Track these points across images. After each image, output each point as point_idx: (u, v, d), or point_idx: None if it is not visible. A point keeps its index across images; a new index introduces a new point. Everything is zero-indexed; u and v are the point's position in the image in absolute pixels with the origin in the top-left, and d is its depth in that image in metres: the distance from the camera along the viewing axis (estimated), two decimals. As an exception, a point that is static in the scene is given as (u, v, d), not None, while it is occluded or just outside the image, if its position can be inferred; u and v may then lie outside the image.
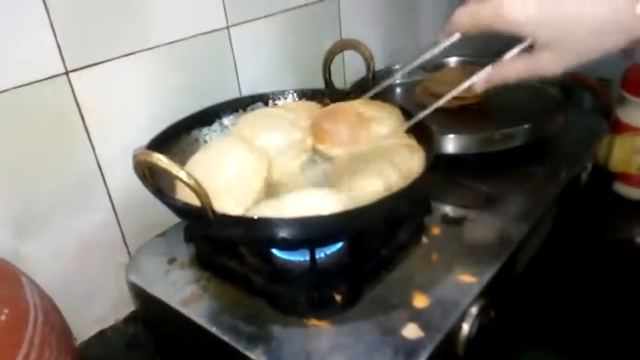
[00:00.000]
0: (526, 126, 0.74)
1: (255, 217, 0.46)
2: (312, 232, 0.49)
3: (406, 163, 0.58)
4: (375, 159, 0.58)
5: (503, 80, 0.46)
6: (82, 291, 0.67)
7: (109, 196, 0.68)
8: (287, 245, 0.55)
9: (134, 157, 0.43)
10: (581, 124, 0.88)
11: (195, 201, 0.44)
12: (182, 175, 0.41)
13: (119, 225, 0.70)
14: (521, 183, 0.74)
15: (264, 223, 0.47)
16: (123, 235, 0.71)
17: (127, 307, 0.71)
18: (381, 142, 0.60)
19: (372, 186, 0.54)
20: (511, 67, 0.45)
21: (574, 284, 0.76)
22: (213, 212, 0.45)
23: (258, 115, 0.68)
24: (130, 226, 0.71)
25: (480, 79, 0.47)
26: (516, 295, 0.66)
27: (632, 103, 0.89)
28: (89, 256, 0.67)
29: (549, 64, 0.43)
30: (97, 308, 0.69)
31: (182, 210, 0.48)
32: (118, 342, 0.68)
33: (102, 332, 0.69)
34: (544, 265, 0.71)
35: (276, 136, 0.63)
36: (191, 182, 0.41)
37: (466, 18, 0.46)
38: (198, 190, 0.42)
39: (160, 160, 0.41)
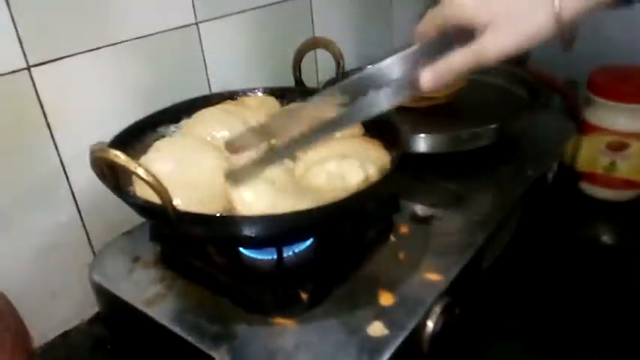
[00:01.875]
0: (493, 126, 0.75)
1: (217, 215, 0.46)
2: (277, 229, 0.48)
3: (383, 160, 0.58)
4: (350, 155, 0.58)
5: (451, 73, 0.46)
6: (46, 292, 0.66)
7: (73, 195, 0.66)
8: (252, 243, 0.54)
9: (91, 153, 0.42)
10: (549, 124, 0.89)
11: (153, 198, 0.43)
12: (140, 171, 0.41)
13: (83, 224, 0.69)
14: (489, 182, 0.74)
15: (227, 220, 0.46)
16: (87, 235, 0.69)
17: (92, 307, 0.69)
18: (345, 142, 0.60)
19: (356, 177, 0.54)
20: (455, 58, 0.45)
21: (539, 282, 0.77)
22: (174, 210, 0.44)
23: (211, 112, 0.66)
24: (95, 226, 0.69)
25: (426, 78, 0.46)
26: (482, 292, 0.67)
27: (598, 104, 0.91)
28: (52, 256, 0.66)
29: (489, 44, 0.44)
30: (61, 309, 0.68)
31: (142, 208, 0.48)
32: (82, 343, 0.67)
33: (66, 333, 0.68)
34: (510, 263, 0.72)
35: (227, 134, 0.61)
36: (150, 179, 0.41)
37: (427, 26, 0.48)
38: (158, 187, 0.41)
39: (117, 156, 0.40)
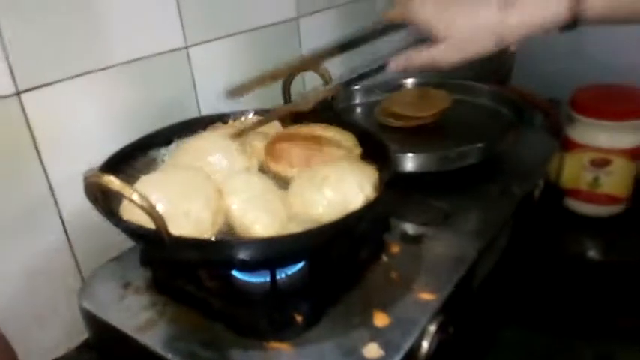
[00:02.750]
0: (480, 145, 0.76)
1: (212, 239, 0.46)
2: (274, 252, 0.48)
3: (374, 177, 0.58)
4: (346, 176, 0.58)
5: (410, 66, 0.56)
6: (32, 318, 0.65)
7: (61, 220, 0.66)
8: (246, 267, 0.54)
9: (85, 179, 0.42)
10: (533, 142, 0.91)
11: (145, 223, 0.43)
12: (135, 197, 0.40)
13: (71, 249, 0.68)
14: (477, 200, 0.75)
15: (223, 245, 0.46)
16: (76, 260, 0.68)
17: (81, 334, 0.68)
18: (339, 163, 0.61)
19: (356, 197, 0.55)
20: (416, 55, 0.56)
21: (528, 298, 0.78)
22: (169, 235, 0.44)
23: (194, 147, 0.65)
24: (84, 251, 0.68)
25: (393, 63, 0.57)
26: (474, 310, 0.67)
27: (580, 122, 0.93)
28: (39, 282, 0.65)
29: (443, 54, 0.54)
30: (48, 336, 0.67)
31: (136, 233, 0.47)
32: (71, 371, 0.66)
33: (54, 361, 0.66)
34: (499, 280, 0.73)
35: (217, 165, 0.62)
36: (145, 204, 0.40)
37: (395, 14, 0.59)
38: (153, 213, 0.41)
39: (112, 182, 0.40)
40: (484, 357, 0.69)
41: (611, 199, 0.94)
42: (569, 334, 0.75)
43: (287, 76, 0.72)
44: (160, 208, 0.44)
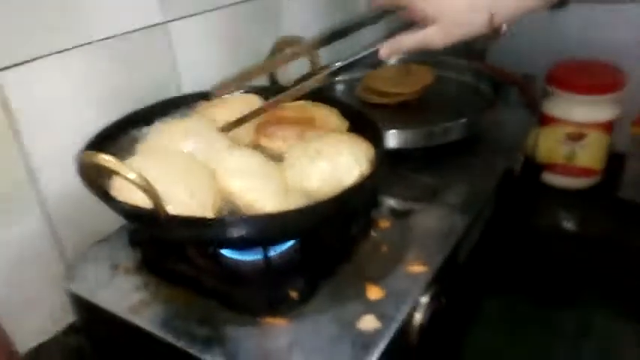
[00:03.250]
0: (464, 120, 0.77)
1: (209, 218, 0.45)
2: (271, 230, 0.48)
3: (369, 152, 0.58)
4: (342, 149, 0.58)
5: (401, 49, 0.57)
6: (18, 304, 0.63)
7: (42, 204, 0.63)
8: (242, 245, 0.54)
9: (79, 159, 0.40)
10: (512, 118, 0.93)
11: (140, 203, 0.42)
12: (132, 176, 0.39)
13: (54, 233, 0.66)
14: (461, 175, 0.76)
15: (220, 223, 0.45)
16: (60, 244, 0.66)
17: (68, 318, 0.67)
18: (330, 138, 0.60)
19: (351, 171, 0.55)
20: (407, 38, 0.56)
21: (509, 267, 0.80)
22: (166, 214, 0.43)
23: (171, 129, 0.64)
24: (68, 234, 0.66)
25: (384, 50, 0.57)
26: (461, 281, 0.69)
27: (556, 96, 0.95)
28: (23, 268, 0.62)
29: (435, 35, 0.54)
30: (35, 321, 0.65)
31: (132, 213, 0.46)
32: (58, 354, 0.65)
33: (41, 345, 0.65)
34: (484, 251, 0.75)
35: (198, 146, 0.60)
36: (143, 183, 0.40)
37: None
38: (151, 191, 0.40)
39: (108, 160, 0.39)
40: (470, 326, 0.71)
41: (586, 172, 0.98)
42: (548, 302, 0.78)
43: (270, 54, 0.70)
44: (162, 188, 0.43)
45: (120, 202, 0.46)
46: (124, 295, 0.58)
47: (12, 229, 0.61)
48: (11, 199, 0.61)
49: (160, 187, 0.41)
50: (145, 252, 0.61)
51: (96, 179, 0.49)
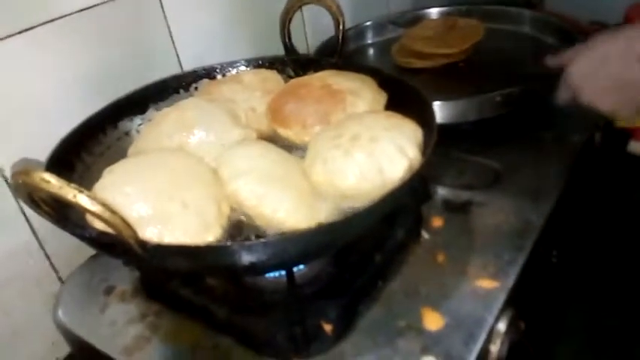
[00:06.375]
0: (525, 85, 0.63)
1: (195, 245, 0.33)
2: (293, 252, 0.36)
3: (417, 135, 0.46)
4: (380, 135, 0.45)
5: None
6: (5, 332, 0.56)
7: (25, 216, 0.55)
8: (255, 272, 0.42)
9: (12, 177, 0.29)
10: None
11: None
12: (83, 200, 0.27)
13: (43, 249, 0.58)
14: (530, 152, 0.64)
15: (221, 250, 0.34)
16: (49, 260, 0.59)
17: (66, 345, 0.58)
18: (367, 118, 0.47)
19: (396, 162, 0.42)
20: None
21: (597, 267, 0.66)
22: (141, 244, 0.31)
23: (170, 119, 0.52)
24: (58, 249, 0.59)
25: None
26: (543, 296, 0.55)
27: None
28: (10, 290, 0.55)
29: None
30: (27, 349, 0.58)
31: (98, 242, 0.35)
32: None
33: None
34: (569, 250, 0.61)
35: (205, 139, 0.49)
36: (96, 209, 0.27)
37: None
38: (111, 219, 0.28)
39: (46, 180, 0.27)
40: (554, 349, 0.57)
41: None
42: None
43: (285, 12, 0.58)
44: (145, 206, 0.36)
45: (80, 228, 0.34)
46: (118, 330, 0.49)
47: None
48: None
49: (148, 203, 0.30)
50: (143, 272, 0.50)
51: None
